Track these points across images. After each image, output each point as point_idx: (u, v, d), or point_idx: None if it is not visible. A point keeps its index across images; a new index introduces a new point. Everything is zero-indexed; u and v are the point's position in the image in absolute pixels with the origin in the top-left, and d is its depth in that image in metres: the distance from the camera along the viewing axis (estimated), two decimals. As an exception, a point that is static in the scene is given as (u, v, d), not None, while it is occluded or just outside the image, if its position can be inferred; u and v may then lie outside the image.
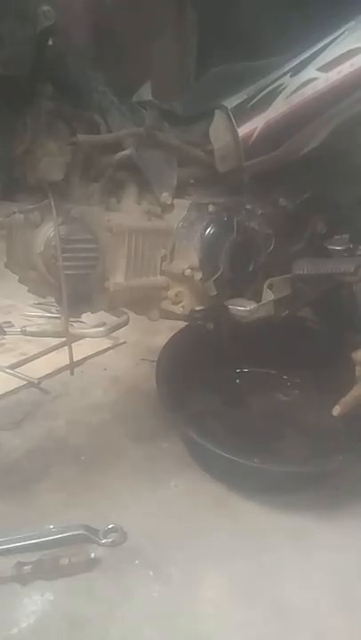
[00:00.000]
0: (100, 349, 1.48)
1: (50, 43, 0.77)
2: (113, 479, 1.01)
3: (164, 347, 1.16)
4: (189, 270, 0.92)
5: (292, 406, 1.17)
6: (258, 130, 0.94)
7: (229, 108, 0.95)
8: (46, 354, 1.44)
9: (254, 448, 0.98)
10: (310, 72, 0.91)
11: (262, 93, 0.94)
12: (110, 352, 1.50)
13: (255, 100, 0.94)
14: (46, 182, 0.82)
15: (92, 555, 0.84)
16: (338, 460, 0.93)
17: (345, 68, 0.89)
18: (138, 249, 0.90)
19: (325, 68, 0.90)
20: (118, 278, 0.88)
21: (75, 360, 0.98)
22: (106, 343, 1.50)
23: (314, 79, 0.91)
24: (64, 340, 0.99)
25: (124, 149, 0.89)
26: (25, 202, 0.86)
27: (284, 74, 0.93)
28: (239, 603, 0.78)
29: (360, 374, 1.01)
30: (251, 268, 0.98)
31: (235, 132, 0.94)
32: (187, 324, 1.14)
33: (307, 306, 1.26)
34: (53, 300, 0.97)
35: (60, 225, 0.83)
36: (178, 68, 1.12)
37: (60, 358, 1.39)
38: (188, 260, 0.92)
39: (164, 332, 1.54)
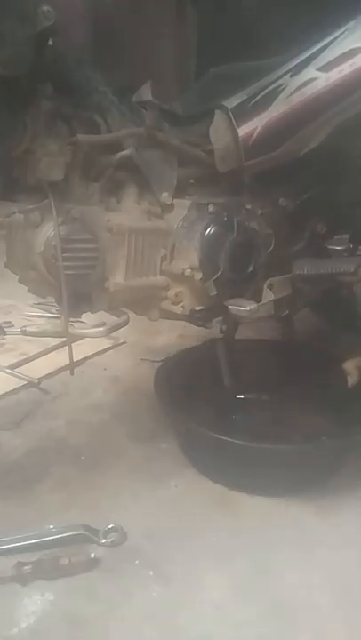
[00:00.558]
0: (100, 349, 1.48)
1: (50, 43, 0.77)
2: (113, 479, 1.01)
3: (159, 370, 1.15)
4: (189, 270, 0.91)
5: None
6: (258, 130, 0.94)
7: (229, 108, 0.95)
8: (46, 354, 1.44)
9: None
10: (310, 72, 0.91)
11: (262, 93, 0.94)
12: (110, 352, 1.50)
13: (255, 99, 0.94)
14: (46, 182, 0.82)
15: (92, 555, 0.84)
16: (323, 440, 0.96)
17: (345, 68, 0.89)
18: (138, 249, 0.90)
19: (325, 67, 0.90)
20: (118, 278, 0.88)
21: (75, 360, 0.98)
22: (106, 343, 1.50)
23: (314, 79, 0.91)
24: (64, 340, 0.99)
25: (124, 149, 0.89)
26: (25, 202, 0.86)
27: (284, 74, 0.93)
28: (239, 602, 0.78)
29: (352, 384, 1.02)
30: (251, 268, 0.98)
31: (235, 132, 0.94)
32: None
33: (307, 306, 1.26)
34: (53, 299, 0.97)
35: (60, 225, 0.83)
36: (178, 68, 1.12)
37: (60, 358, 1.39)
38: (188, 260, 0.92)
39: (164, 332, 1.55)
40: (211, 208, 0.94)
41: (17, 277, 0.93)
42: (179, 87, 1.10)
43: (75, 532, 0.86)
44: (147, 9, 1.01)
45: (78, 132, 0.83)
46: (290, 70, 0.93)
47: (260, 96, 0.94)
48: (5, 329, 1.55)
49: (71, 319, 0.90)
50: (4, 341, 1.51)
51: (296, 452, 0.97)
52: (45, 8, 0.71)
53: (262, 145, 0.95)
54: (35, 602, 0.77)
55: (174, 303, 0.95)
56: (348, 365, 1.04)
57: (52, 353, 1.44)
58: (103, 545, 0.86)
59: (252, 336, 1.35)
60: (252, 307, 0.96)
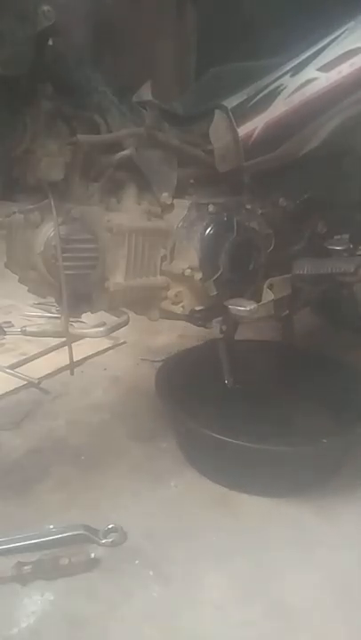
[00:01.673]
0: (100, 349, 1.48)
1: (50, 43, 0.77)
2: (113, 479, 1.01)
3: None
4: (189, 270, 0.91)
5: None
6: (258, 130, 0.94)
7: (229, 107, 0.95)
8: (46, 354, 1.44)
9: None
10: (310, 72, 0.91)
11: (262, 93, 0.94)
12: (110, 352, 1.50)
13: (255, 100, 0.94)
14: (46, 182, 0.82)
15: (92, 555, 0.84)
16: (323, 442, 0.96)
17: (345, 68, 0.89)
18: (138, 249, 0.90)
19: (325, 67, 0.90)
20: (118, 278, 0.88)
21: (75, 360, 0.98)
22: (106, 343, 1.50)
23: (314, 79, 0.91)
24: (64, 340, 0.99)
25: (124, 149, 0.89)
26: (25, 202, 0.86)
27: (285, 74, 0.93)
28: (239, 602, 0.78)
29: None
30: (251, 268, 0.98)
31: (235, 132, 0.95)
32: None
33: (307, 306, 1.26)
34: (53, 299, 0.97)
35: (60, 225, 0.83)
36: (178, 68, 1.12)
37: (60, 358, 1.39)
38: (188, 260, 0.92)
39: (164, 332, 1.55)
40: (211, 208, 0.94)
41: (17, 277, 0.93)
42: (179, 87, 1.10)
43: (75, 532, 0.86)
44: (147, 9, 1.01)
45: (78, 132, 0.83)
46: (290, 70, 0.93)
47: (260, 96, 0.94)
48: (5, 329, 1.55)
49: (71, 319, 0.90)
50: (4, 341, 1.51)
51: (297, 454, 0.97)
52: (45, 8, 0.71)
53: (262, 145, 0.95)
54: (35, 602, 0.77)
55: (174, 303, 0.95)
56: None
57: (52, 353, 1.44)
58: (103, 545, 0.86)
59: (253, 336, 1.35)
60: (252, 307, 0.96)
